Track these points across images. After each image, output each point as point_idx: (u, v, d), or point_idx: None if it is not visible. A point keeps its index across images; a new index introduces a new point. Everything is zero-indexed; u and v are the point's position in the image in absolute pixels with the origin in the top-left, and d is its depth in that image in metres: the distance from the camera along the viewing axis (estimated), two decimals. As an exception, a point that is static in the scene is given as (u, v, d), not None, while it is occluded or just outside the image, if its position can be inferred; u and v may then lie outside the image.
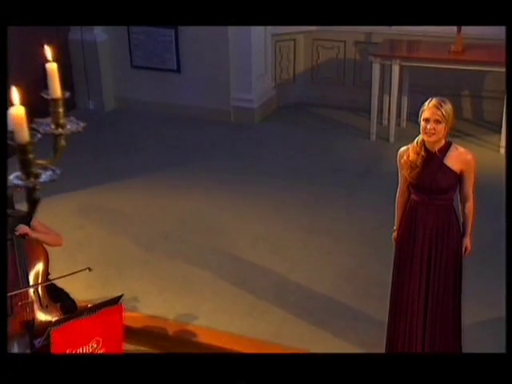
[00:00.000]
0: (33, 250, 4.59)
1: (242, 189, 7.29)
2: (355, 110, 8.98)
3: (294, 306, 5.45)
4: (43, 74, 1.99)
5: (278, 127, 8.82)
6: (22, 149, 1.53)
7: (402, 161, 4.42)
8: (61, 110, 1.80)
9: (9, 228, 4.53)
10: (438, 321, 4.63)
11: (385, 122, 8.48)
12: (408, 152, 4.39)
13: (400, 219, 4.61)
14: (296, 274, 5.86)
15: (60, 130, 1.78)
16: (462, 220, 4.49)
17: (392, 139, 8.26)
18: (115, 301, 4.44)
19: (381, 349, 4.97)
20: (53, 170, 1.61)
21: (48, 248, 4.65)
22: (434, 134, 4.20)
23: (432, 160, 4.30)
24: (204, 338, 5.07)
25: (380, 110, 8.41)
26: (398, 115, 8.42)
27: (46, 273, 4.66)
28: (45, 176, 1.59)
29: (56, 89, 1.67)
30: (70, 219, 6.38)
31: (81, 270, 4.58)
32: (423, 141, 4.32)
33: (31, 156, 1.56)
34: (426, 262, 4.51)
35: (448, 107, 4.22)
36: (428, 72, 8.27)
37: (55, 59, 1.78)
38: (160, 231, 6.47)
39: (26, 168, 1.56)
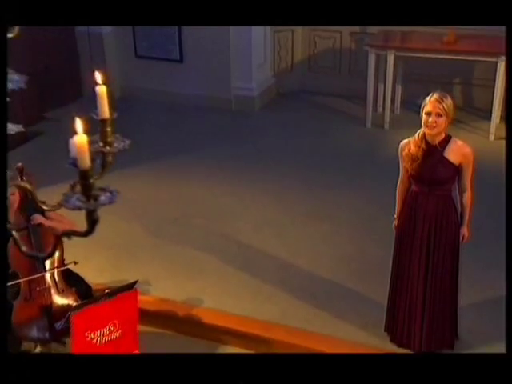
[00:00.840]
0: (48, 237, 4.62)
1: (244, 175, 7.31)
2: (351, 98, 8.99)
3: (297, 288, 5.49)
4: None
5: (276, 115, 8.83)
6: (84, 174, 1.57)
7: (404, 153, 4.44)
8: (109, 129, 1.84)
9: (25, 216, 4.59)
10: (436, 302, 4.69)
11: (379, 109, 8.52)
12: (409, 145, 4.41)
13: (400, 208, 4.66)
14: (298, 258, 5.88)
15: (108, 148, 1.82)
16: (460, 210, 4.54)
17: (387, 126, 8.30)
18: (131, 286, 4.50)
19: (381, 329, 5.04)
20: (111, 192, 1.64)
21: None
22: (435, 127, 4.24)
23: (432, 153, 4.33)
24: (212, 320, 5.12)
25: (375, 98, 8.42)
26: (392, 102, 8.44)
27: (61, 259, 4.70)
28: (104, 198, 1.63)
29: (105, 110, 1.70)
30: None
31: (70, 263, 4.64)
32: (424, 134, 4.34)
33: (92, 180, 1.60)
34: (425, 248, 4.56)
35: (449, 101, 4.26)
36: (421, 61, 8.30)
37: (103, 82, 1.80)
38: (167, 217, 6.49)
39: (87, 191, 1.60)
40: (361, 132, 8.32)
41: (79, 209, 1.62)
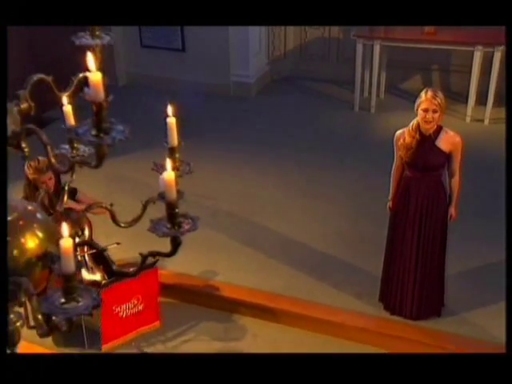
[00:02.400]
0: (78, 219, 4.67)
1: (244, 157, 7.33)
2: (339, 83, 8.98)
3: (298, 262, 5.57)
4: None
5: (271, 99, 8.83)
6: (171, 205, 1.67)
7: (399, 143, 4.51)
8: (177, 155, 1.92)
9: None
10: (426, 272, 4.80)
11: (365, 93, 8.53)
12: (404, 135, 4.48)
13: (395, 191, 4.74)
14: (298, 234, 5.95)
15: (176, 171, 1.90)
16: (448, 192, 4.64)
17: (373, 109, 8.34)
18: (152, 264, 4.57)
19: (375, 299, 5.15)
20: (192, 219, 1.73)
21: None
22: (432, 121, 4.30)
23: (425, 142, 4.40)
24: (224, 292, 5.22)
25: (361, 84, 8.43)
26: (377, 88, 8.47)
27: (90, 239, 4.76)
28: (187, 226, 1.73)
29: (174, 139, 1.78)
30: (98, 188, 6.41)
31: (112, 244, 4.66)
32: (418, 125, 4.40)
33: (177, 211, 1.69)
34: (417, 226, 4.66)
35: (441, 96, 4.31)
36: (403, 50, 8.29)
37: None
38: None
39: (173, 219, 1.69)
40: (349, 115, 8.35)
41: (167, 235, 1.72)
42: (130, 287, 4.50)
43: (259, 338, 5.02)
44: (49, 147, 1.61)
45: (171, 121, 1.78)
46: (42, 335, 1.56)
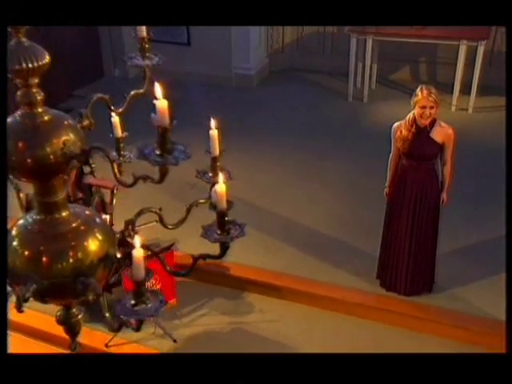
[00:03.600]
0: (98, 204, 4.72)
1: (246, 145, 7.32)
2: (333, 74, 9.01)
3: (301, 244, 5.64)
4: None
5: (271, 89, 8.85)
6: (222, 214, 1.74)
7: (396, 135, 4.55)
8: (218, 164, 1.98)
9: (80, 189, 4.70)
10: (419, 252, 4.89)
11: (358, 84, 8.56)
12: (401, 128, 4.52)
13: (392, 178, 4.81)
14: (299, 217, 6.01)
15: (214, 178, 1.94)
16: (441, 179, 4.70)
17: (365, 99, 8.39)
18: (169, 247, 4.64)
19: (371, 277, 5.23)
20: (239, 225, 1.80)
21: None
22: (429, 117, 4.35)
23: (421, 134, 4.46)
24: (234, 271, 5.28)
25: (354, 75, 8.47)
26: (369, 79, 8.50)
27: (111, 223, 4.81)
28: (235, 232, 1.80)
29: (216, 149, 1.85)
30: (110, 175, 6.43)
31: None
32: (414, 119, 4.44)
33: (227, 218, 1.76)
34: (412, 210, 4.73)
35: (435, 92, 4.35)
36: (393, 43, 8.34)
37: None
38: (186, 182, 6.58)
39: (224, 226, 1.77)
40: (343, 104, 8.39)
41: (218, 242, 1.79)
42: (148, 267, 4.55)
43: (266, 313, 5.11)
44: (115, 164, 1.68)
45: (213, 133, 1.84)
46: (112, 330, 1.63)
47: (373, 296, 5.14)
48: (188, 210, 1.92)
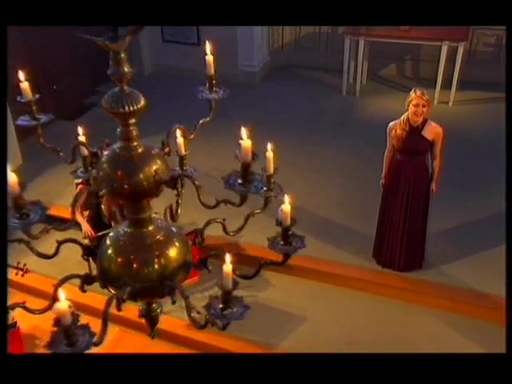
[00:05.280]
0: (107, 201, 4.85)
1: (254, 136, 7.46)
2: (328, 71, 9.09)
3: (306, 227, 5.58)
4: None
5: (272, 85, 8.94)
6: (286, 229, 1.91)
7: (392, 134, 4.70)
8: (273, 181, 2.02)
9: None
10: (411, 232, 5.07)
11: (351, 80, 8.68)
12: (396, 127, 4.66)
13: (387, 171, 4.97)
14: (303, 203, 6.09)
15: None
16: (430, 171, 4.86)
17: (357, 94, 8.52)
18: (191, 233, 4.80)
19: (369, 255, 5.42)
20: (300, 238, 1.95)
21: None
22: (421, 114, 4.49)
23: (413, 132, 4.61)
24: (248, 251, 5.42)
25: (347, 71, 8.57)
26: (361, 75, 8.62)
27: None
28: (297, 245, 1.95)
29: (271, 168, 1.95)
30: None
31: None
32: (408, 119, 4.59)
33: (291, 232, 1.91)
34: (405, 198, 4.91)
35: (427, 93, 4.50)
36: (382, 43, 8.44)
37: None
38: (202, 171, 6.71)
39: (287, 239, 1.93)
40: (338, 98, 8.49)
41: (283, 252, 1.97)
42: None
43: (277, 288, 5.32)
44: (200, 189, 1.82)
45: (269, 155, 1.97)
46: (198, 328, 1.80)
47: (369, 271, 5.32)
48: (246, 219, 2.07)
